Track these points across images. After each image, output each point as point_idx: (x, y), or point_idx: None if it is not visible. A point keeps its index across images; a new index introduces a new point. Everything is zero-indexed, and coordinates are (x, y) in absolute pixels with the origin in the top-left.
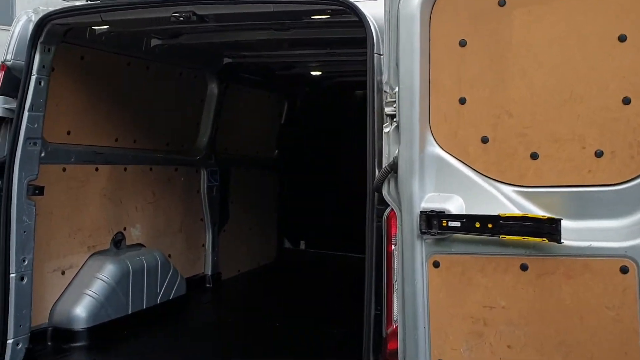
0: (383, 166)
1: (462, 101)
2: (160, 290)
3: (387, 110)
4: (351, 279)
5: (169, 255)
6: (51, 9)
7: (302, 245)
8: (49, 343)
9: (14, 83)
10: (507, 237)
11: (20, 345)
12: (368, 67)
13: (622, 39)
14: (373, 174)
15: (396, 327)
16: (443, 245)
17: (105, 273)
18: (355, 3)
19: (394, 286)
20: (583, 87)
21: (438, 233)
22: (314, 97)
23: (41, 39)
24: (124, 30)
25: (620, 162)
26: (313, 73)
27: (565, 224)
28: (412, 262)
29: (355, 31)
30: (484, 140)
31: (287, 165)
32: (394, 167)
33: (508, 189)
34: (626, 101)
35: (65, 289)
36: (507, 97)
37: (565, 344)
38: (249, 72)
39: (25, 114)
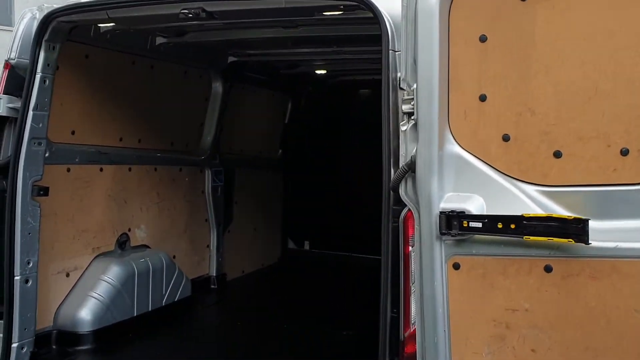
0: (400, 165)
1: (483, 98)
2: (166, 292)
3: (405, 107)
4: (357, 279)
5: (174, 257)
6: (56, 6)
7: (307, 246)
8: (54, 346)
9: (18, 82)
10: (532, 238)
11: (25, 349)
12: (383, 64)
13: None
14: (388, 173)
15: (414, 330)
16: (463, 246)
17: (110, 275)
18: None
19: (412, 288)
20: (608, 84)
21: (458, 234)
22: (318, 96)
23: (46, 37)
24: (130, 28)
25: None
26: (318, 72)
27: (590, 224)
28: (431, 263)
29: (366, 28)
30: (506, 138)
31: (291, 165)
32: (411, 167)
33: (530, 189)
34: None
35: (70, 291)
36: (529, 94)
37: (592, 349)
38: (253, 71)
39: (30, 113)
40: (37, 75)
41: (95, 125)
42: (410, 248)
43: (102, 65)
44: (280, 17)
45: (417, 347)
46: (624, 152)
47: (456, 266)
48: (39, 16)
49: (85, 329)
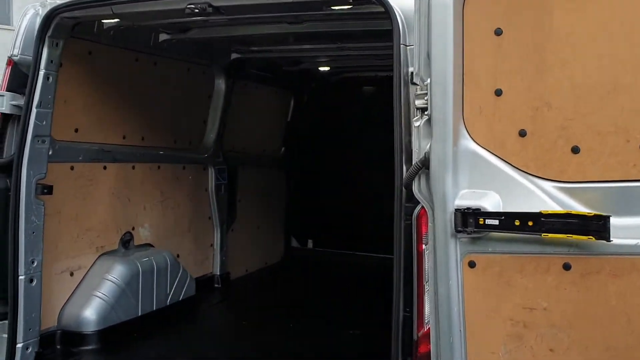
0: (413, 162)
1: (498, 93)
2: (170, 292)
3: (418, 103)
4: (361, 278)
5: (178, 256)
6: (59, 1)
7: (310, 244)
8: (58, 346)
9: (21, 79)
10: (550, 235)
11: (30, 350)
12: (394, 59)
13: None
14: (400, 170)
15: (428, 330)
16: (479, 244)
17: (115, 274)
18: None
19: (425, 287)
20: (628, 78)
21: (474, 232)
22: (320, 93)
23: (49, 33)
24: (133, 25)
25: None
26: (321, 69)
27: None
28: (446, 262)
29: (373, 23)
30: (522, 133)
31: (294, 163)
32: (425, 163)
33: (548, 185)
34: None
35: (74, 290)
36: (546, 88)
37: (612, 348)
38: (256, 68)
39: (34, 110)
40: (40, 72)
41: (98, 123)
42: (423, 246)
43: (105, 62)
44: (287, 12)
45: (431, 347)
46: None
47: (472, 264)
48: (42, 12)
49: (90, 328)
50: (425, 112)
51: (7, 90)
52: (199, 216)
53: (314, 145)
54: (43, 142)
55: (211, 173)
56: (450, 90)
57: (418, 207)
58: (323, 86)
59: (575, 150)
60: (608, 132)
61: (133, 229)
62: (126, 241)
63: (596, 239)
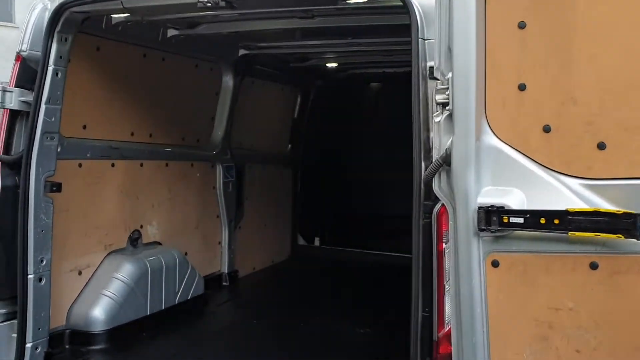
0: (433, 158)
1: (522, 87)
2: (179, 290)
3: (439, 98)
4: (369, 277)
5: (186, 254)
6: None
7: (317, 242)
8: (67, 346)
9: (30, 75)
10: (577, 233)
11: (39, 349)
12: (413, 53)
13: None
14: (419, 167)
15: (449, 330)
16: (502, 243)
17: (123, 273)
18: None
19: (445, 287)
20: None
21: (498, 230)
22: (327, 90)
23: (58, 28)
24: (143, 19)
25: None
26: (328, 65)
27: None
28: (468, 261)
29: (389, 18)
30: (546, 129)
31: (301, 161)
32: (446, 160)
33: (573, 182)
34: None
35: (83, 289)
36: (572, 82)
37: None
38: (263, 64)
39: (42, 107)
40: (49, 68)
41: (106, 120)
42: (443, 245)
43: (114, 58)
44: (300, 5)
45: (452, 348)
46: None
47: (495, 264)
48: (51, 7)
49: (99, 328)
50: (447, 107)
51: (15, 86)
52: (206, 214)
53: (320, 143)
54: (52, 138)
55: (219, 170)
56: (472, 84)
57: (438, 205)
58: (330, 83)
59: (601, 146)
60: (636, 128)
61: (141, 227)
62: (134, 239)
63: (625, 237)
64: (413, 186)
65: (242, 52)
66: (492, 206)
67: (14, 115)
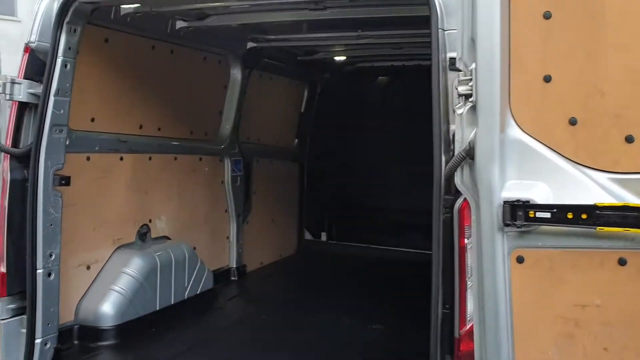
0: (455, 151)
1: (548, 79)
2: (188, 285)
3: (461, 89)
4: (377, 272)
5: (194, 248)
6: None
7: (323, 237)
8: (76, 342)
9: (39, 66)
10: (606, 229)
11: (48, 345)
12: (433, 44)
13: None
14: (439, 160)
15: (471, 327)
16: (528, 238)
17: (132, 268)
18: None
19: (468, 283)
20: None
21: (524, 225)
22: (334, 83)
23: (67, 19)
24: (152, 10)
25: None
26: (336, 58)
27: None
28: (492, 257)
29: (402, 9)
30: (573, 122)
31: (307, 155)
32: (469, 153)
33: (600, 176)
34: None
35: (91, 284)
36: (599, 74)
37: None
38: (271, 57)
39: (51, 99)
40: (58, 60)
41: (115, 113)
42: (465, 240)
43: (122, 50)
44: None
45: (475, 345)
46: None
47: (520, 259)
48: None
49: (108, 323)
50: (470, 99)
51: (24, 78)
52: (215, 208)
53: (327, 137)
54: (61, 131)
55: (227, 164)
56: (497, 75)
57: (460, 199)
58: (337, 76)
59: (629, 139)
60: None
61: (150, 221)
62: (143, 234)
63: None
64: (433, 180)
65: (250, 45)
66: (517, 200)
67: (22, 107)
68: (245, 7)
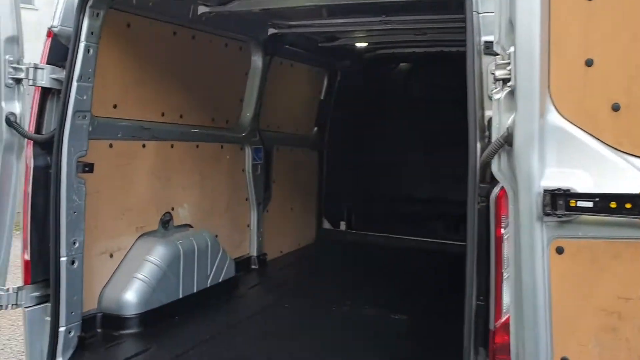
0: (492, 138)
1: (589, 63)
2: (211, 273)
3: (499, 73)
4: (398, 261)
5: (216, 236)
6: None
7: (342, 226)
8: (99, 330)
9: (61, 51)
10: None
11: (72, 333)
12: (467, 27)
13: None
14: (475, 147)
15: (507, 319)
16: (568, 228)
17: (155, 255)
18: None
19: (504, 274)
20: None
21: (564, 215)
22: (355, 70)
23: (90, 3)
24: None
25: None
26: (357, 45)
27: None
28: (531, 247)
29: None
30: (615, 107)
31: (327, 143)
32: (507, 139)
33: None
34: None
35: (114, 272)
36: None
37: None
38: (292, 44)
39: (74, 84)
40: (80, 44)
41: (137, 99)
42: (502, 230)
43: (144, 35)
44: None
45: (511, 338)
46: None
47: (559, 250)
48: None
49: (131, 312)
50: (508, 84)
51: (47, 63)
52: (236, 197)
53: (347, 125)
54: (84, 117)
55: (248, 153)
56: (537, 59)
57: (497, 188)
58: (357, 63)
59: None
60: None
61: (172, 209)
62: (166, 221)
63: None
64: (468, 168)
65: (271, 31)
66: (558, 189)
67: (45, 93)
68: None
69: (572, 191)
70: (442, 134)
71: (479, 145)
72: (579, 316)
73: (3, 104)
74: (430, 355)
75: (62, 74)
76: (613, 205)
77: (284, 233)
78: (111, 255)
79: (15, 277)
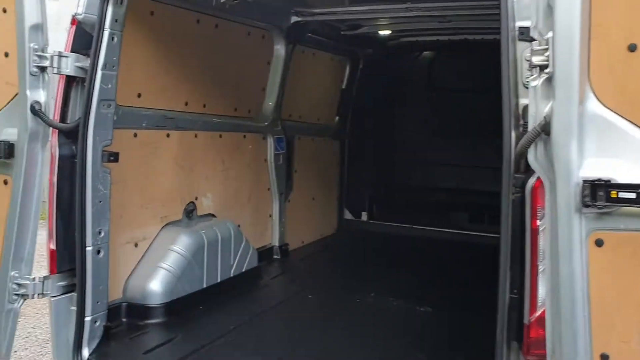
0: (529, 127)
1: (632, 48)
2: (234, 263)
3: (536, 60)
4: (420, 253)
5: (238, 226)
6: None
7: (364, 217)
8: (124, 319)
9: (86, 39)
10: None
11: (98, 323)
12: (502, 12)
13: None
14: (509, 136)
15: (542, 313)
16: (608, 220)
17: (180, 245)
18: None
19: (539, 267)
20: None
21: (605, 206)
22: (377, 59)
23: None
24: None
25: None
26: (380, 33)
27: None
28: (569, 240)
29: None
30: None
31: (348, 132)
32: (545, 128)
33: None
34: None
35: (139, 262)
36: None
37: None
38: (315, 32)
39: (99, 72)
40: (105, 32)
41: (161, 88)
42: (538, 222)
43: (167, 23)
44: None
45: (547, 333)
46: None
47: (599, 243)
48: None
49: (156, 301)
50: (545, 70)
51: (71, 51)
52: (258, 187)
53: (369, 114)
54: (108, 106)
55: (270, 142)
56: (576, 44)
57: (532, 178)
58: (379, 52)
59: None
60: None
61: (196, 199)
62: (190, 211)
63: None
64: (503, 158)
65: (294, 19)
66: (598, 179)
67: (69, 81)
68: None
69: (613, 182)
70: (466, 123)
71: (513, 135)
72: (619, 311)
73: (28, 92)
74: (460, 348)
75: (86, 62)
76: None
77: (306, 223)
78: (136, 245)
79: (39, 265)
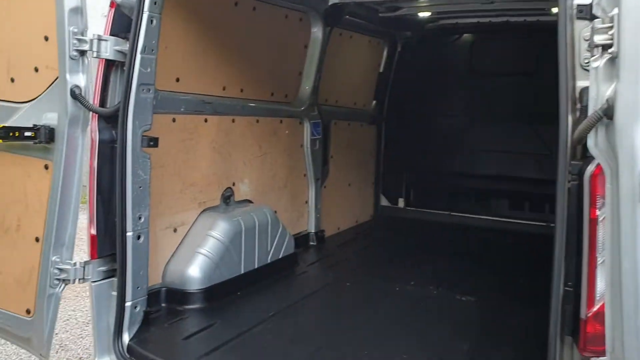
0: (589, 111)
1: None
2: (271, 249)
3: (599, 39)
4: (460, 241)
5: (275, 212)
6: None
7: (400, 203)
8: (163, 304)
9: (124, 22)
10: None
11: (138, 308)
12: None
13: None
14: (566, 120)
15: (601, 308)
16: None
17: (218, 231)
18: None
19: (598, 259)
20: None
21: None
22: (415, 42)
23: None
24: None
25: None
26: (420, 15)
27: None
28: (632, 231)
29: None
30: None
31: (385, 117)
32: (607, 112)
33: None
34: None
35: (178, 247)
36: None
37: None
38: (353, 14)
39: (138, 56)
40: (144, 15)
41: (198, 72)
42: (597, 211)
43: (206, 6)
44: None
45: (606, 329)
46: None
47: None
48: None
49: (195, 287)
50: (609, 50)
51: (110, 35)
52: (294, 172)
53: (406, 98)
54: (148, 90)
55: (306, 128)
56: None
57: (592, 165)
58: (418, 34)
59: None
60: None
61: (233, 184)
62: (227, 197)
63: None
64: (559, 143)
65: (332, 1)
66: None
67: (108, 65)
68: None
69: None
70: (508, 107)
71: (570, 119)
72: None
73: (68, 76)
74: (506, 340)
75: (125, 46)
76: None
77: (342, 210)
78: (175, 230)
79: (79, 249)
